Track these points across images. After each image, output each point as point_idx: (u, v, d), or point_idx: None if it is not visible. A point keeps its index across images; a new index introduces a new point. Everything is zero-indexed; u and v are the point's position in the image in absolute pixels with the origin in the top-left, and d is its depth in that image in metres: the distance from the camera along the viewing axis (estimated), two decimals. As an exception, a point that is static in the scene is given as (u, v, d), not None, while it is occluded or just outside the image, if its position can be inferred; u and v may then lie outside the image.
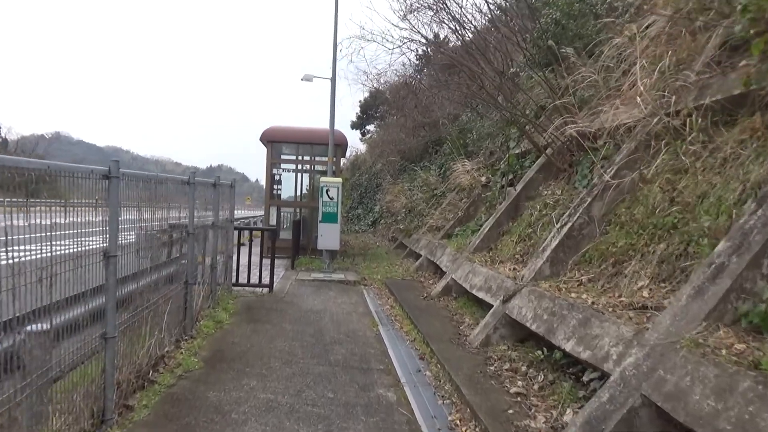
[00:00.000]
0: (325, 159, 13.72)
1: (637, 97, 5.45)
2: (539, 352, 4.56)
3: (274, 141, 13.75)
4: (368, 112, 36.72)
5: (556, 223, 6.40)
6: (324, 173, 12.98)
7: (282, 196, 14.39)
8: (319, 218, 10.93)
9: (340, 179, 11.26)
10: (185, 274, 5.48)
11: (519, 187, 8.01)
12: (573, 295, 4.62)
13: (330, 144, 12.16)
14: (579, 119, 6.42)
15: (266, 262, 8.66)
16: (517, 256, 6.80)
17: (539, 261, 5.53)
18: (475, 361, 4.97)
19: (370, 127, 37.86)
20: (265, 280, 8.57)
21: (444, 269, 8.71)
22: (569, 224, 5.51)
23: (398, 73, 18.77)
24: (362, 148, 37.23)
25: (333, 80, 12.65)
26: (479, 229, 8.78)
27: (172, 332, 5.11)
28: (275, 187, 14.07)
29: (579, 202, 5.66)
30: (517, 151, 9.77)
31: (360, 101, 36.42)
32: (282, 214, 15.26)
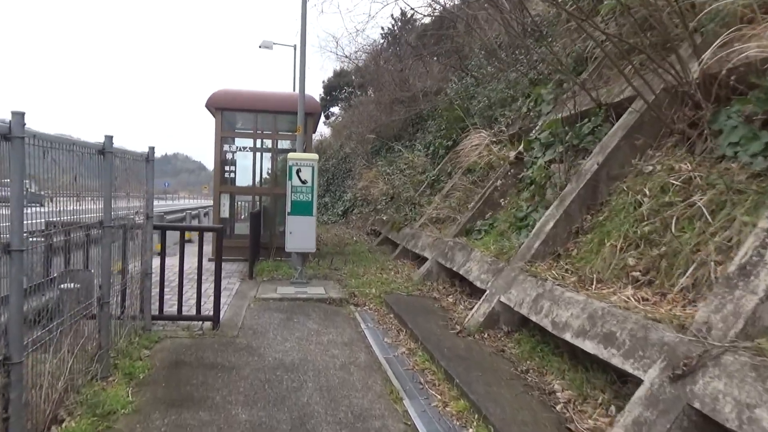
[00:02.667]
0: (291, 134, 10.66)
1: None
2: None
3: (225, 108, 10.48)
4: (333, 93, 33.49)
5: (713, 219, 3.70)
6: (290, 152, 9.94)
7: (236, 181, 11.21)
8: (288, 209, 7.92)
9: (315, 155, 8.25)
10: (2, 341, 2.44)
11: (599, 159, 5.26)
12: None
13: (300, 108, 9.08)
14: (757, 32, 3.71)
15: (212, 267, 5.62)
16: (633, 273, 4.04)
17: (750, 297, 2.78)
18: None
19: (335, 110, 34.77)
20: (208, 306, 5.56)
21: (479, 285, 5.90)
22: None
23: (379, 36, 15.71)
24: (327, 131, 34.36)
25: (303, 19, 9.52)
26: (527, 224, 6.02)
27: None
28: (227, 168, 10.88)
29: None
30: (558, 115, 7.02)
31: (324, 81, 33.22)
32: (238, 203, 12.11)
